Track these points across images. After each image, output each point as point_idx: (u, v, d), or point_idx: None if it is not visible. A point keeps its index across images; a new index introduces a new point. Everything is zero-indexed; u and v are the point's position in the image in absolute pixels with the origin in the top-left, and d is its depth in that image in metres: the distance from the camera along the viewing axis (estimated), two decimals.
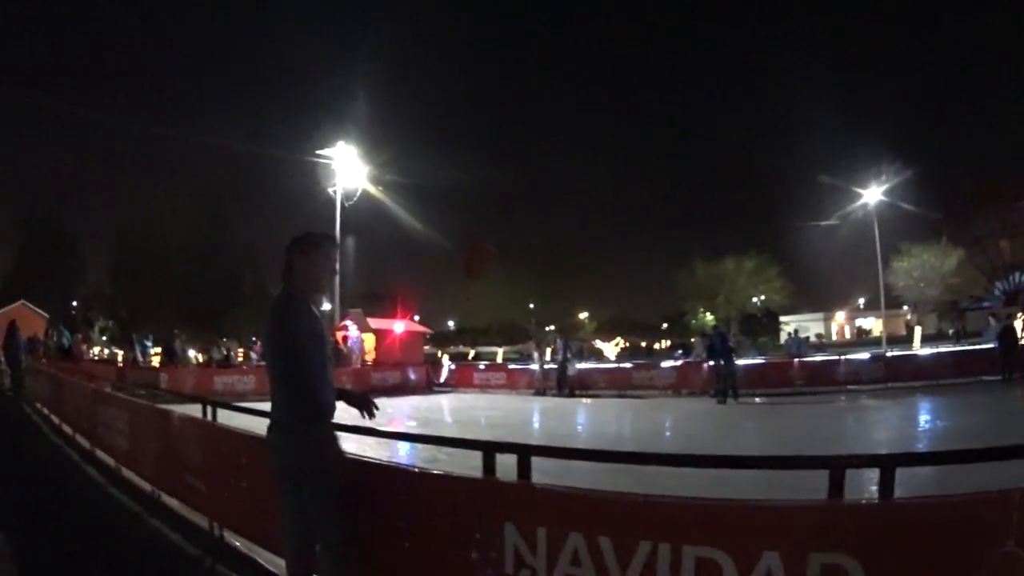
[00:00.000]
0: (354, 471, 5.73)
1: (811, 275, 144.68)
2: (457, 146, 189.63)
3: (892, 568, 3.38)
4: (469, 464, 5.26)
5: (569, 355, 38.51)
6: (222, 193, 62.45)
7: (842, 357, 37.05)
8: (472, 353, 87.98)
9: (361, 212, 52.52)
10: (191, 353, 55.04)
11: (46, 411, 21.55)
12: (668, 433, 21.40)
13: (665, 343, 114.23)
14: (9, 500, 11.38)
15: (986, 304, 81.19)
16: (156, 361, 45.18)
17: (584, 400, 34.30)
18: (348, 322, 47.01)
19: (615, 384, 37.59)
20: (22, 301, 67.20)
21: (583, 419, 26.31)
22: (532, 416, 27.12)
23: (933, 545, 3.35)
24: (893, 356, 38.21)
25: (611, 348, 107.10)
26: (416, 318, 72.36)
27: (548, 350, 48.42)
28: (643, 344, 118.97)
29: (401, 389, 40.81)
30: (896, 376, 32.23)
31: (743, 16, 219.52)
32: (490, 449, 5.14)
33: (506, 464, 4.97)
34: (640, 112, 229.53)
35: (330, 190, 47.32)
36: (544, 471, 4.91)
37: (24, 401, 26.28)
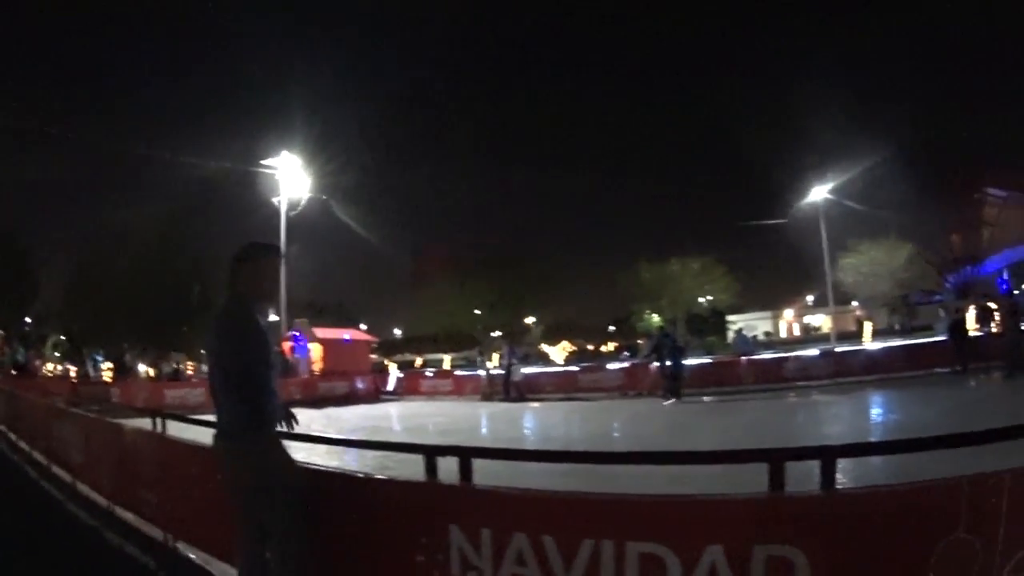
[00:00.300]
0: (302, 479, 5.71)
1: (759, 274, 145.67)
2: (402, 154, 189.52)
3: (838, 558, 3.41)
4: (419, 471, 5.26)
5: (514, 360, 38.67)
6: (170, 206, 62.18)
7: (790, 354, 37.52)
8: (419, 361, 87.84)
9: (306, 222, 52.78)
10: (141, 367, 54.93)
11: (3, 428, 21.41)
12: (616, 434, 21.39)
13: (612, 346, 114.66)
14: None
15: (937, 298, 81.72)
16: (108, 376, 45.08)
17: (532, 404, 34.32)
18: (294, 332, 46.91)
19: (562, 388, 37.92)
20: None
21: (531, 423, 26.45)
22: (480, 422, 27.24)
23: (880, 534, 3.39)
24: (843, 351, 38.43)
25: (558, 352, 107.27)
26: (363, 327, 72.40)
27: (496, 355, 48.67)
28: (590, 347, 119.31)
29: (349, 398, 41.28)
30: (846, 371, 32.40)
31: (684, 20, 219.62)
32: (431, 452, 5.16)
33: (454, 469, 4.95)
34: (584, 115, 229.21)
35: (274, 200, 47.27)
36: (495, 475, 4.93)
37: None
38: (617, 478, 5.24)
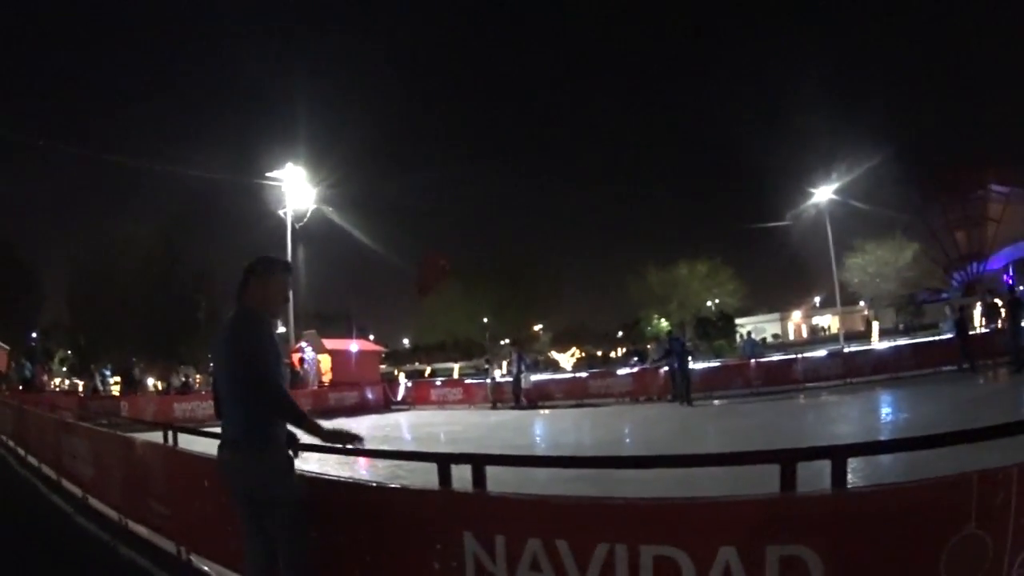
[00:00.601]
0: (315, 489, 5.77)
1: (766, 276, 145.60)
2: (408, 164, 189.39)
3: (851, 557, 3.43)
4: (430, 480, 5.25)
5: (523, 367, 38.62)
6: (175, 220, 62.15)
7: (799, 356, 37.09)
8: (428, 370, 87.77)
9: (312, 233, 52.66)
10: (150, 381, 54.88)
11: (12, 443, 21.38)
12: (628, 439, 21.38)
13: (621, 351, 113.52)
14: None
15: (944, 296, 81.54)
16: (116, 390, 45.00)
17: (542, 411, 34.29)
18: (303, 344, 46.67)
19: (572, 394, 37.51)
20: None
21: (541, 430, 26.34)
22: (491, 429, 27.03)
23: (892, 532, 3.40)
24: (851, 352, 38.46)
25: (567, 358, 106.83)
26: (371, 337, 72.24)
27: (504, 363, 48.60)
28: (599, 353, 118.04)
29: (359, 409, 40.92)
30: (855, 372, 32.29)
31: (689, 24, 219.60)
32: (445, 461, 5.16)
33: (466, 476, 4.99)
34: (590, 121, 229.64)
35: (280, 212, 47.18)
36: (507, 483, 4.97)
37: None
38: (629, 483, 5.31)
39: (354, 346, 51.05)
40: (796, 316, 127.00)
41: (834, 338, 74.90)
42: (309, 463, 5.80)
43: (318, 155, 51.47)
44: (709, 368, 37.52)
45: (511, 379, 39.00)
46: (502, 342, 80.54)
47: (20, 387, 38.77)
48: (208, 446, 7.48)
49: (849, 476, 3.84)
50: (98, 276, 58.31)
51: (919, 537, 3.37)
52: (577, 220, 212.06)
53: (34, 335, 75.97)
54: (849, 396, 26.53)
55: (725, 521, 3.73)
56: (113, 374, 48.81)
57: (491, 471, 4.95)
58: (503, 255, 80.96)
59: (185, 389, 44.41)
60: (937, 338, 36.31)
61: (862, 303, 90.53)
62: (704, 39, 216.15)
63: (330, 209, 50.89)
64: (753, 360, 36.23)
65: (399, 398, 45.01)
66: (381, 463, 13.90)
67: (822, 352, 39.40)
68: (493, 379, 40.83)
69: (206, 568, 8.00)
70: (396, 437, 26.48)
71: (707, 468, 4.39)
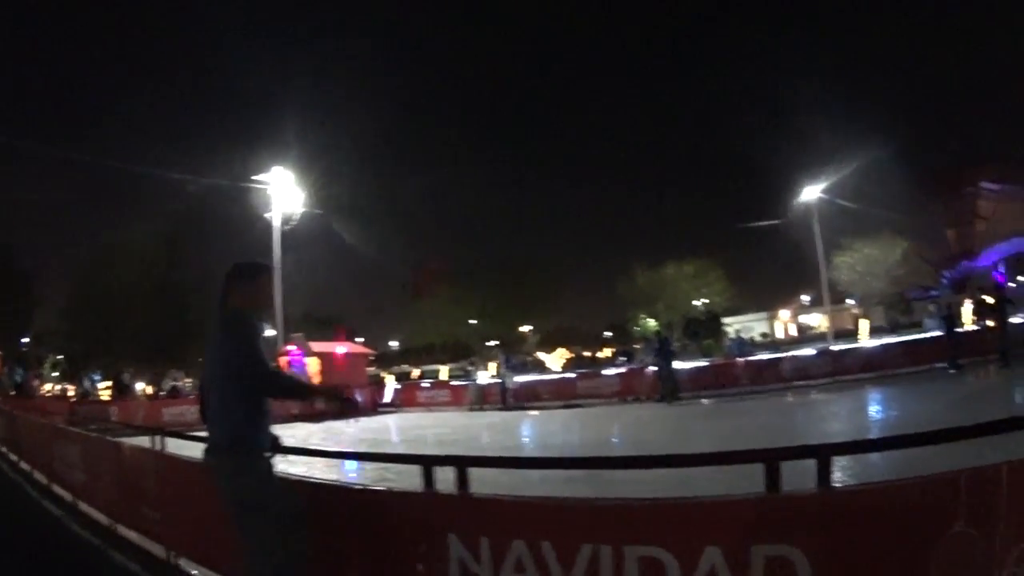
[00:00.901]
0: (301, 492, 5.79)
1: (754, 275, 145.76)
2: (396, 166, 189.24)
3: (838, 556, 3.42)
4: (418, 482, 5.25)
5: (506, 369, 39.00)
6: (172, 224, 62.10)
7: (787, 354, 37.53)
8: (417, 372, 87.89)
9: (302, 236, 52.22)
10: (139, 386, 54.94)
11: (3, 449, 21.28)
12: (615, 440, 21.37)
13: (609, 352, 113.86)
14: None
15: (934, 294, 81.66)
16: (105, 395, 45.02)
17: (531, 412, 34.33)
18: (291, 347, 46.62)
19: (560, 395, 37.71)
20: None
21: (529, 431, 26.38)
22: (478, 431, 27.04)
23: (880, 531, 3.39)
24: (840, 350, 38.32)
25: (555, 359, 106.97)
26: (359, 340, 72.20)
27: (493, 365, 48.85)
28: (587, 354, 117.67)
29: (347, 411, 40.60)
30: (844, 370, 32.40)
31: (675, 26, 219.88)
32: (428, 463, 5.18)
33: (452, 479, 4.97)
34: (576, 123, 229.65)
35: (267, 216, 47.06)
36: (498, 485, 4.97)
37: None
38: (616, 483, 5.33)
39: (342, 349, 50.90)
40: (784, 315, 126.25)
41: (823, 336, 74.90)
42: (296, 466, 5.78)
43: (308, 158, 51.22)
44: (697, 368, 37.69)
45: (499, 381, 39.16)
46: (489, 344, 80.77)
47: (11, 392, 38.74)
48: (197, 450, 7.50)
49: (840, 475, 3.84)
50: (89, 281, 58.34)
51: (908, 535, 3.36)
52: (566, 222, 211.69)
53: (25, 340, 76.01)
54: (837, 394, 26.57)
55: (710, 521, 3.74)
56: (102, 379, 48.81)
57: (483, 473, 4.94)
58: (493, 257, 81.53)
59: (174, 393, 44.46)
60: (926, 336, 36.32)
61: (851, 301, 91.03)
62: (691, 40, 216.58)
63: (319, 212, 50.88)
64: (741, 359, 36.53)
65: (387, 400, 45.22)
66: (369, 466, 13.79)
67: (810, 351, 39.46)
68: (475, 381, 41.03)
69: (195, 572, 7.99)
70: (384, 440, 26.73)
71: (700, 468, 4.38)
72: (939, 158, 75.55)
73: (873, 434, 15.42)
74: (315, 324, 79.74)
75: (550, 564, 4.07)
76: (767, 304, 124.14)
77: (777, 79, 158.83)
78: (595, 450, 17.84)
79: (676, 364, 33.68)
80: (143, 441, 10.02)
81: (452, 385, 46.76)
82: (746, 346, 41.22)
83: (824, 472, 3.73)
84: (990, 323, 30.32)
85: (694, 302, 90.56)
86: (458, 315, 79.89)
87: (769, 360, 37.34)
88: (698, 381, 33.94)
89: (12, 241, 67.37)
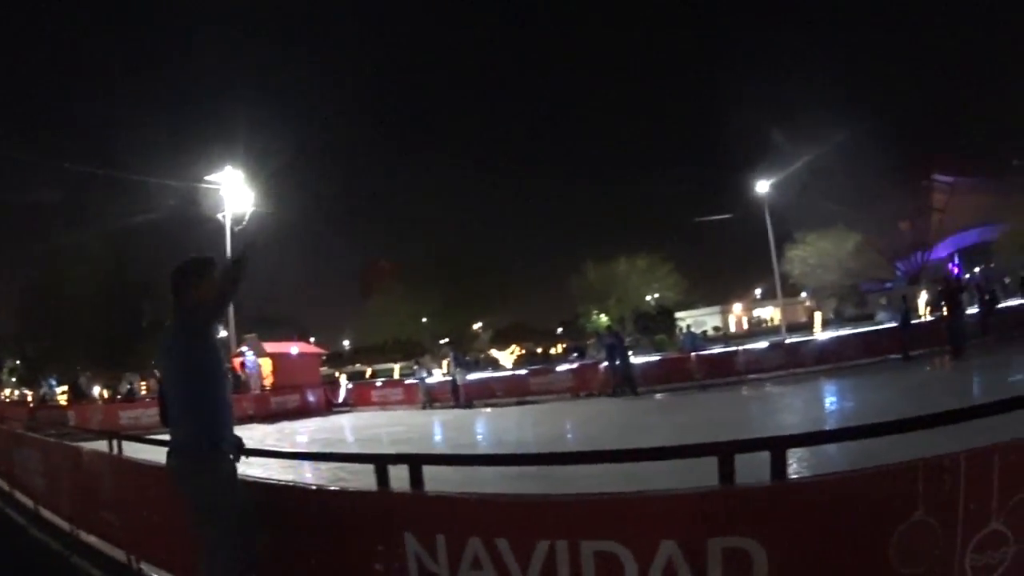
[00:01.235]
0: (257, 493, 5.78)
1: (706, 270, 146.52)
2: (348, 166, 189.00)
3: (795, 547, 3.47)
4: (374, 481, 5.24)
5: (456, 367, 38.89)
6: (120, 226, 61.65)
7: (740, 348, 37.52)
8: (369, 371, 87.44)
9: (251, 235, 51.53)
10: (96, 390, 54.70)
11: None
12: (569, 435, 21.44)
13: (561, 347, 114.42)
14: None
15: (888, 286, 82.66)
16: (63, 400, 44.82)
17: (484, 410, 34.38)
18: (244, 348, 46.46)
19: (513, 392, 37.74)
20: None
21: (483, 428, 26.32)
22: (432, 430, 27.11)
23: (836, 521, 3.45)
24: (792, 343, 38.64)
25: (507, 356, 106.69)
26: (312, 339, 72.04)
27: (444, 362, 49.31)
28: (539, 350, 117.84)
29: (301, 412, 41.13)
30: (797, 362, 32.60)
31: (627, 23, 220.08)
32: (382, 461, 5.18)
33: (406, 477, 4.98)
34: (526, 119, 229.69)
35: (219, 216, 46.50)
36: (453, 483, 5.01)
37: None
38: (569, 479, 5.29)
39: (295, 349, 50.88)
40: (737, 308, 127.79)
41: (776, 330, 75.50)
42: (252, 467, 5.76)
43: (257, 158, 50.73)
44: (650, 362, 37.85)
45: (451, 379, 39.22)
46: (441, 342, 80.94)
47: None
48: (153, 453, 7.47)
49: (796, 466, 3.86)
50: (47, 285, 57.97)
51: (866, 525, 3.41)
52: (516, 218, 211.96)
53: None
54: (792, 387, 26.81)
55: (664, 515, 3.76)
56: (59, 383, 48.59)
57: (436, 472, 4.97)
58: (443, 254, 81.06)
59: (130, 397, 44.23)
60: (881, 327, 36.85)
61: (803, 294, 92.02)
62: (641, 35, 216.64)
63: (270, 212, 50.59)
64: (694, 353, 36.14)
65: (340, 400, 45.14)
66: (324, 466, 13.74)
67: (764, 344, 39.96)
68: (423, 380, 40.81)
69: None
70: (338, 440, 26.60)
71: (653, 462, 4.39)
72: (893, 151, 76.02)
73: (828, 425, 15.61)
74: (267, 324, 79.57)
75: (507, 561, 4.09)
76: (720, 298, 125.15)
77: (728, 73, 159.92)
78: (549, 446, 17.86)
79: (632, 359, 34.05)
80: (101, 445, 10.02)
81: (405, 384, 46.61)
82: (698, 340, 41.08)
83: (779, 464, 3.76)
84: (943, 314, 30.59)
85: (646, 297, 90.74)
86: (410, 313, 79.72)
87: (723, 354, 37.59)
88: (651, 376, 34.07)
89: None
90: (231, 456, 5.53)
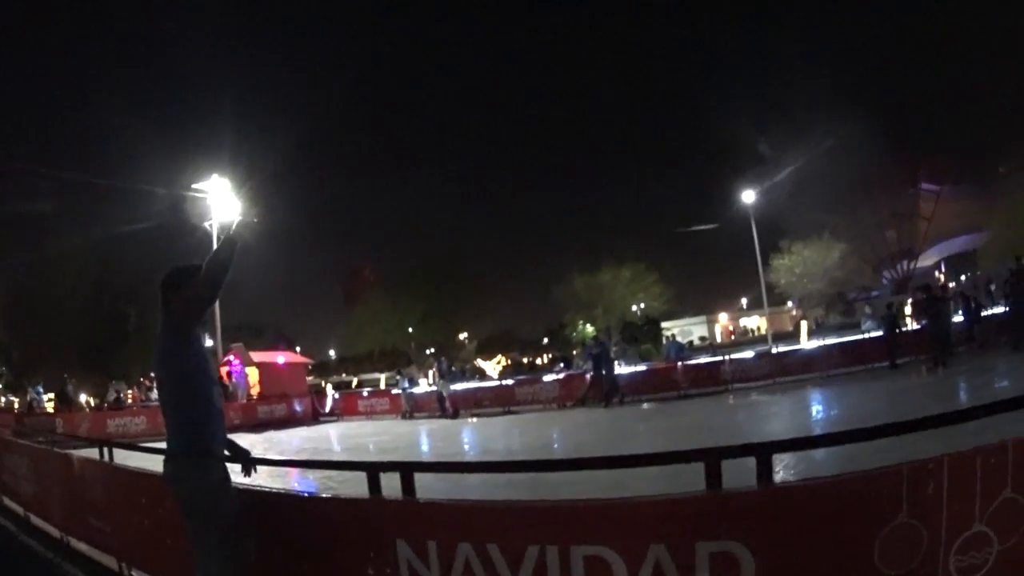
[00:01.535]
0: (248, 501, 5.79)
1: (693, 279, 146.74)
2: (335, 175, 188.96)
3: (782, 550, 3.52)
4: (362, 489, 5.27)
5: (440, 377, 38.94)
6: (106, 233, 61.44)
7: (726, 357, 37.23)
8: (355, 381, 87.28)
9: (240, 244, 51.29)
10: (82, 397, 54.57)
11: None
12: (556, 444, 21.49)
13: (547, 357, 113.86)
14: None
15: (875, 294, 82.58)
16: (50, 407, 44.72)
17: (470, 420, 34.51)
18: (231, 357, 46.59)
19: (499, 401, 37.56)
20: None
21: (470, 438, 26.50)
22: (419, 439, 27.21)
23: (822, 524, 3.51)
24: (778, 352, 38.56)
25: (493, 366, 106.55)
26: (298, 349, 71.94)
27: (430, 372, 48.95)
28: (525, 360, 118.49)
29: (288, 421, 41.22)
30: (783, 371, 32.47)
31: (609, 32, 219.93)
32: (374, 469, 5.20)
33: (397, 485, 4.98)
34: (512, 129, 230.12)
35: (206, 224, 46.50)
36: (439, 492, 5.02)
37: None
38: (558, 487, 5.42)
39: (281, 358, 51.09)
40: (723, 318, 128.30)
41: (762, 339, 75.99)
42: (239, 475, 5.80)
43: (246, 167, 50.65)
44: (636, 372, 37.65)
45: (435, 389, 39.24)
46: (428, 351, 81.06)
47: None
48: (143, 461, 7.54)
49: (783, 474, 3.91)
50: (32, 291, 57.79)
51: (851, 528, 3.46)
52: (501, 228, 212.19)
53: None
54: (778, 395, 26.82)
55: (653, 519, 3.80)
56: (46, 390, 48.48)
57: (424, 481, 4.99)
58: (428, 264, 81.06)
59: (117, 405, 44.09)
60: (867, 336, 36.47)
61: (789, 303, 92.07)
62: (626, 44, 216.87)
63: (256, 220, 50.54)
64: (679, 363, 36.29)
65: (327, 410, 45.10)
66: (312, 474, 13.99)
67: (750, 353, 39.83)
68: (405, 389, 40.87)
69: None
70: (326, 449, 26.64)
71: (640, 469, 4.43)
72: (879, 159, 76.19)
73: (813, 432, 15.56)
74: (252, 333, 79.48)
75: (498, 566, 4.13)
76: (706, 307, 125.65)
77: (713, 82, 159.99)
78: (536, 455, 18.01)
79: (617, 369, 34.21)
80: (91, 453, 9.97)
81: (392, 394, 46.15)
82: (684, 350, 40.97)
83: (765, 469, 3.81)
84: (925, 322, 30.69)
85: (632, 307, 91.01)
86: (394, 322, 79.69)
87: (708, 363, 37.39)
88: (637, 386, 34.01)
89: None
90: (223, 463, 5.59)
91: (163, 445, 5.68)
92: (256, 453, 5.88)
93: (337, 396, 47.92)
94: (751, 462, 3.84)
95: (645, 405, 30.51)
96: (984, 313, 33.84)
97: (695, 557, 3.59)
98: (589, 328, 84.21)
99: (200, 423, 5.41)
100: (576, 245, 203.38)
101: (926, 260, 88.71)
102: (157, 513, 7.14)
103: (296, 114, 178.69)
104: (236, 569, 5.38)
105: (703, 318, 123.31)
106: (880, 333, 32.72)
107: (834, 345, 36.30)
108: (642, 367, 40.47)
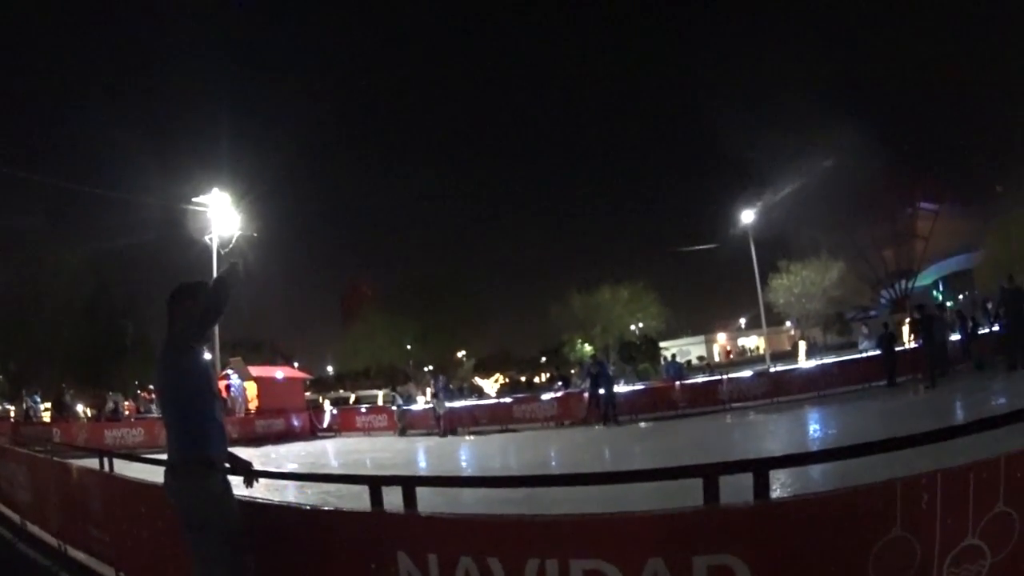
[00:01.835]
0: (249, 514, 5.82)
1: (691, 299, 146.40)
2: (335, 192, 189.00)
3: (777, 564, 3.56)
4: (360, 503, 5.40)
5: (439, 394, 38.89)
6: (103, 245, 61.48)
7: (724, 376, 37.15)
8: (353, 397, 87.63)
9: (242, 253, 51.20)
10: (80, 408, 54.61)
11: None
12: (554, 462, 21.54)
13: (545, 376, 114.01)
14: None
15: (873, 313, 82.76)
16: (47, 417, 44.63)
17: (467, 437, 34.62)
18: (229, 371, 46.50)
19: (497, 419, 37.56)
20: None
21: (468, 455, 26.49)
22: (417, 456, 27.25)
23: (817, 539, 3.55)
24: (776, 371, 38.48)
25: (491, 384, 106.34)
26: (295, 364, 71.79)
27: (428, 390, 49.14)
28: (523, 379, 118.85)
29: (286, 436, 41.15)
30: (782, 390, 32.47)
31: (606, 46, 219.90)
32: (376, 483, 5.24)
33: (398, 500, 5.05)
34: (511, 147, 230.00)
35: (206, 238, 46.52)
36: (436, 507, 5.03)
37: None
38: (553, 504, 5.39)
39: (280, 373, 51.05)
40: (721, 338, 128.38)
41: (761, 359, 75.64)
42: (240, 488, 5.84)
43: (244, 181, 50.83)
44: (634, 391, 37.50)
45: (431, 406, 39.46)
46: (426, 369, 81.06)
47: None
48: (142, 472, 7.64)
49: (779, 491, 3.94)
50: (27, 301, 57.75)
51: (846, 542, 3.50)
52: (500, 246, 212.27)
53: None
54: (775, 414, 26.88)
55: (651, 533, 3.83)
56: (43, 400, 48.43)
57: (421, 496, 5.02)
58: (427, 281, 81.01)
59: (115, 416, 44.02)
60: (864, 356, 36.28)
61: (788, 323, 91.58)
62: (624, 62, 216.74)
63: (255, 235, 50.45)
64: (677, 382, 36.26)
65: (324, 425, 45.11)
66: (310, 489, 14.04)
67: (748, 372, 39.53)
68: (399, 406, 40.92)
69: None
70: (324, 464, 26.77)
71: (637, 485, 4.45)
72: (877, 179, 76.20)
73: (810, 450, 15.70)
74: (250, 348, 79.46)
75: None
76: (704, 327, 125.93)
77: (713, 102, 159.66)
78: (534, 472, 17.66)
79: (616, 388, 34.01)
80: (89, 463, 10.03)
81: (390, 410, 46.05)
82: (682, 370, 40.92)
83: (761, 485, 3.86)
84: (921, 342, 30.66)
85: (631, 326, 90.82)
86: (391, 339, 79.58)
87: (707, 382, 37.41)
88: (635, 405, 34.06)
89: None
90: (223, 474, 5.64)
91: (162, 457, 5.78)
92: (255, 467, 5.91)
93: (335, 412, 47.95)
94: (748, 479, 3.89)
95: (643, 424, 30.57)
96: (981, 331, 33.66)
97: (692, 570, 3.63)
98: (587, 347, 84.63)
99: (201, 436, 5.46)
100: (575, 264, 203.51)
101: (924, 279, 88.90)
102: (156, 524, 7.17)
103: (296, 131, 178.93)
104: None
105: (701, 338, 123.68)
106: (878, 352, 32.68)
107: (832, 364, 36.39)
108: (640, 386, 40.48)
